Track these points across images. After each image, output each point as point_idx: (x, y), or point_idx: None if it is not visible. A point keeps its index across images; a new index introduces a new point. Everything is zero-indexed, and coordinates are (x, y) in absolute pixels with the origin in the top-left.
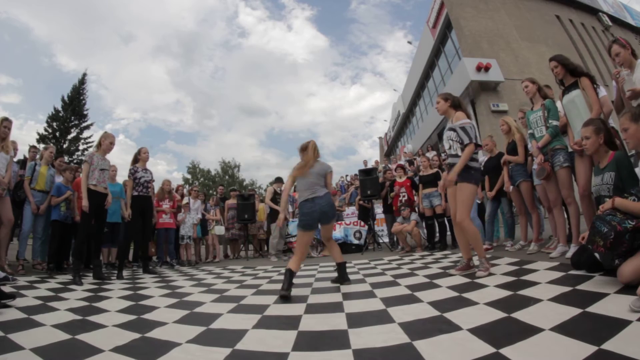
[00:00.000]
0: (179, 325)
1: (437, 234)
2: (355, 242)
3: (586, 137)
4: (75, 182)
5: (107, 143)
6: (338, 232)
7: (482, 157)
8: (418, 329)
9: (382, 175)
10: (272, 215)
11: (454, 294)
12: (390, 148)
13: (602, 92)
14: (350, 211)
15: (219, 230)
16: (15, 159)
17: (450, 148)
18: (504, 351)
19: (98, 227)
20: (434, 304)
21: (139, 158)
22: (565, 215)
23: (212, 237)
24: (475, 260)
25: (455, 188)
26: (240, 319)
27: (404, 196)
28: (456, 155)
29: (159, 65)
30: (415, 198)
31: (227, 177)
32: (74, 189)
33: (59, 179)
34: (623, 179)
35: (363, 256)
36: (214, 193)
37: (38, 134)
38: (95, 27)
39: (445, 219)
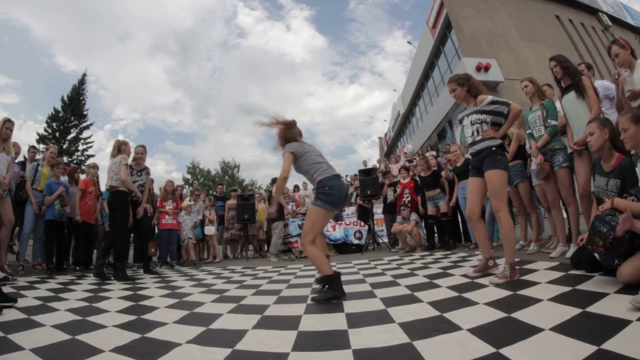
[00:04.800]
0: (179, 325)
1: (436, 234)
2: (356, 242)
3: (590, 133)
4: (83, 181)
5: (127, 150)
6: (338, 232)
7: None
8: (418, 329)
9: (381, 175)
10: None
11: (454, 294)
12: (390, 148)
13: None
14: (350, 211)
15: (209, 230)
16: (16, 161)
17: (473, 134)
18: (504, 351)
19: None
20: (434, 304)
21: (135, 157)
22: (565, 215)
23: (211, 238)
24: (502, 262)
25: (475, 181)
26: (240, 319)
27: (407, 197)
28: (480, 141)
29: (156, 64)
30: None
31: (227, 177)
32: (81, 188)
33: (64, 179)
34: (626, 188)
35: (363, 256)
36: (214, 193)
37: (38, 134)
38: (94, 28)
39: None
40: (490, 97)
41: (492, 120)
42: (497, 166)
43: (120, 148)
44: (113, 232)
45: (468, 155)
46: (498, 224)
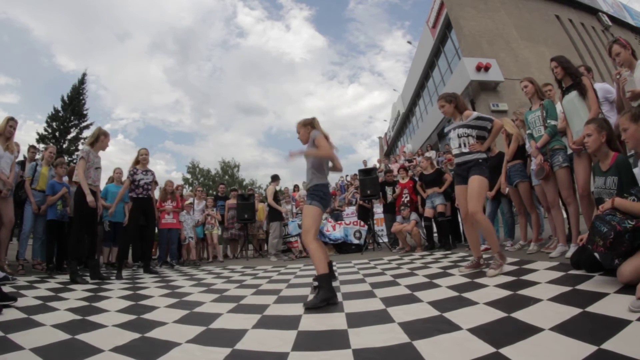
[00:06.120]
0: (178, 325)
1: (436, 234)
2: (355, 241)
3: (588, 134)
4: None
5: (106, 141)
6: (338, 231)
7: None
8: (418, 328)
9: (382, 175)
10: (272, 214)
11: (454, 293)
12: (390, 148)
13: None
14: (350, 211)
15: (218, 231)
16: (16, 160)
17: (460, 146)
18: (504, 351)
19: (91, 227)
20: (434, 304)
21: (139, 160)
22: (565, 215)
23: (213, 237)
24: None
25: (462, 188)
26: (240, 319)
27: (406, 197)
28: (467, 153)
29: (156, 63)
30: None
31: (226, 176)
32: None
33: (64, 179)
34: (623, 184)
35: (363, 256)
36: (215, 193)
37: (38, 133)
38: (93, 28)
39: (444, 218)
40: (475, 113)
41: (477, 134)
42: (482, 173)
43: (99, 138)
44: (71, 229)
45: None
46: (477, 225)
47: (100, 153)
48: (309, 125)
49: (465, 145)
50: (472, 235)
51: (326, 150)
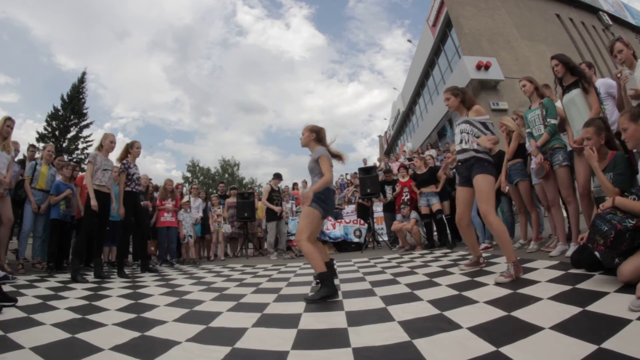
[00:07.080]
0: (178, 323)
1: (435, 233)
2: (355, 240)
3: (587, 138)
4: (78, 178)
5: (107, 142)
6: (338, 230)
7: None
8: (418, 327)
9: (382, 174)
10: (269, 213)
11: (454, 292)
12: (390, 146)
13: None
14: (350, 209)
15: (227, 228)
16: (16, 159)
17: (461, 142)
18: (504, 350)
19: (100, 227)
20: (434, 303)
21: (130, 152)
22: (565, 214)
23: (219, 235)
24: (503, 260)
25: (463, 190)
26: (240, 318)
27: (406, 195)
28: (467, 150)
29: (155, 62)
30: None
31: (226, 175)
32: (77, 184)
33: (59, 178)
34: (617, 177)
35: (363, 254)
36: (215, 191)
37: (37, 132)
38: (93, 27)
39: (444, 216)
40: (485, 118)
41: (473, 133)
42: (486, 171)
43: (101, 141)
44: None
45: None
46: (489, 227)
47: None
48: (315, 134)
49: (465, 142)
50: (468, 237)
51: (328, 177)
